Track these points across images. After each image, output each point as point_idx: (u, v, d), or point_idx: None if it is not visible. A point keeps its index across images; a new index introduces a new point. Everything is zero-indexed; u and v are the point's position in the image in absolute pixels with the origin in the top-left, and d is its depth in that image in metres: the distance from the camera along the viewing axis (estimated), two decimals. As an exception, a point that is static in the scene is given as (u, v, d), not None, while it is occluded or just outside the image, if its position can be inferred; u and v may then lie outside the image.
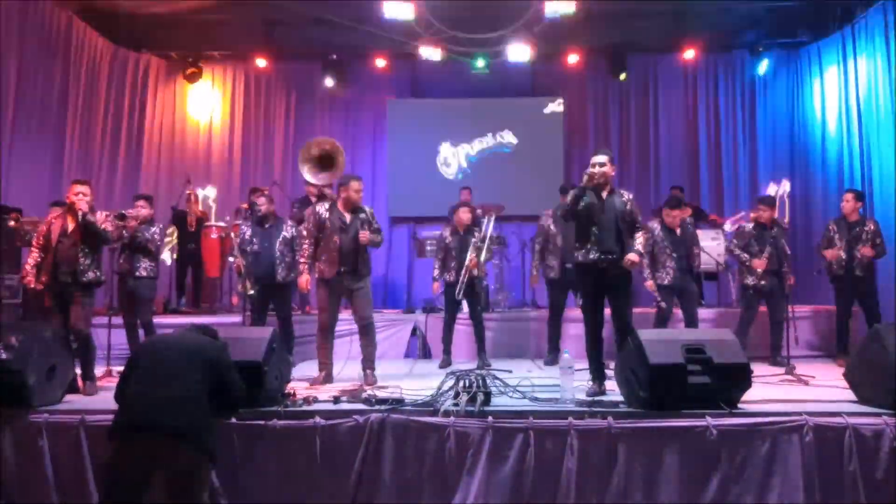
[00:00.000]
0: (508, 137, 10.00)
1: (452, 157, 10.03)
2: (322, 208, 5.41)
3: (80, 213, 4.86)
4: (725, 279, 8.53)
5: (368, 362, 5.34)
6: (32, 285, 4.93)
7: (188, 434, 3.14)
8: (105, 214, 5.22)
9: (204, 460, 3.23)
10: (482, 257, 6.25)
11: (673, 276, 6.09)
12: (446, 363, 6.29)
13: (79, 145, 8.25)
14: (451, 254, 6.28)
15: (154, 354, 3.38)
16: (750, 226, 6.48)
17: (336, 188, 5.61)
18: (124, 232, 5.70)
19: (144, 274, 5.90)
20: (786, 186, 7.19)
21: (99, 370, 5.27)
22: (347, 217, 5.33)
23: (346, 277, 5.28)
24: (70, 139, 8.06)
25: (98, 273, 5.02)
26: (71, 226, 4.91)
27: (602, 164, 4.59)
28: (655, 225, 6.26)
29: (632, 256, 4.53)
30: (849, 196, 6.54)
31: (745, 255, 6.35)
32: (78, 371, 4.75)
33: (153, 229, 5.96)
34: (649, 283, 6.15)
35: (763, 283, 6.24)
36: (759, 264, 6.19)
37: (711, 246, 7.16)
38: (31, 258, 4.95)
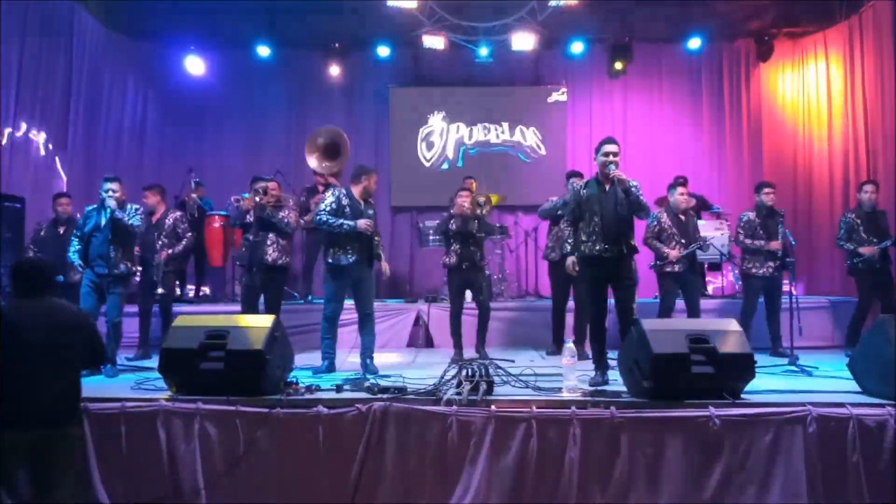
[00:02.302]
0: (532, 139, 9.82)
1: (439, 137, 9.92)
2: (341, 193, 5.40)
3: (109, 210, 5.18)
4: (728, 270, 8.50)
5: (369, 351, 5.35)
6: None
7: (74, 418, 3.36)
8: (136, 208, 5.53)
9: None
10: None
11: (681, 262, 5.97)
12: (458, 358, 5.85)
13: (81, 134, 8.21)
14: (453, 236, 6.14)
15: (29, 338, 3.14)
16: (752, 214, 6.41)
17: (352, 176, 5.55)
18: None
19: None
20: None
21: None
22: (362, 206, 5.37)
23: (358, 266, 5.31)
24: (73, 128, 8.03)
25: (129, 265, 5.45)
26: (103, 221, 5.23)
27: (616, 154, 4.55)
28: (662, 213, 6.21)
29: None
30: (871, 187, 6.44)
31: (759, 241, 6.26)
32: None
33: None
34: (673, 253, 5.95)
35: (769, 271, 6.16)
36: (776, 245, 6.10)
37: (715, 236, 7.12)
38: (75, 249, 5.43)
